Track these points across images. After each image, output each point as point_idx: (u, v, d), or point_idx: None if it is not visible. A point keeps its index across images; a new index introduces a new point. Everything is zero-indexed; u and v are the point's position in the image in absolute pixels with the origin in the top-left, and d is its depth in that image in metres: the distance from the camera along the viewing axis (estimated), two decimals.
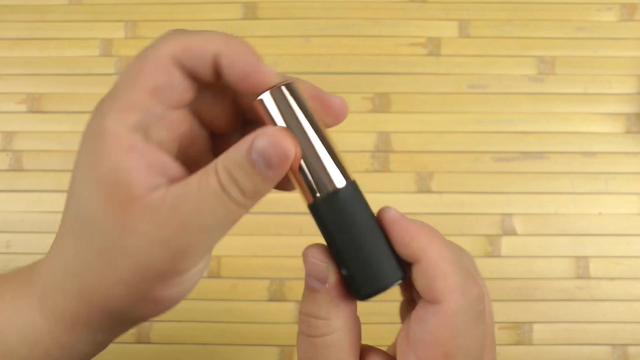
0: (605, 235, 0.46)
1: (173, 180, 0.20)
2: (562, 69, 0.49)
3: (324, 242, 0.22)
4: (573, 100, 0.49)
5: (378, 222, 0.22)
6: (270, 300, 0.45)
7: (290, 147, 0.20)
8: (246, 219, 0.47)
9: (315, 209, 0.21)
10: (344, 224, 0.21)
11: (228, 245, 0.46)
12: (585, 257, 0.46)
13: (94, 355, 0.23)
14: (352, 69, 0.49)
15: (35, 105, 0.49)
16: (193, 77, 0.21)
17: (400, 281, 0.21)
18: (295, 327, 0.47)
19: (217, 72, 0.21)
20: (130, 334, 0.45)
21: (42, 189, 0.47)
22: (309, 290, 0.22)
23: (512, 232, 0.47)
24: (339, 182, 0.21)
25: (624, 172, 0.47)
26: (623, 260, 0.46)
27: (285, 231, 0.46)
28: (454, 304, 0.20)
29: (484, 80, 0.49)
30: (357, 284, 0.21)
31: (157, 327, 0.45)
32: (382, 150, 0.48)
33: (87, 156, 0.20)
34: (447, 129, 0.48)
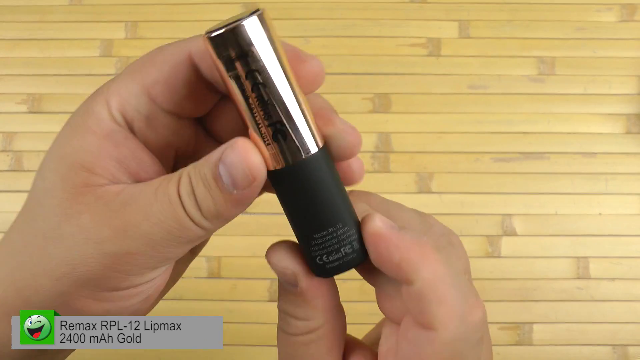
0: (606, 235, 0.46)
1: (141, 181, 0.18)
2: (562, 70, 0.49)
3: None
4: (573, 101, 0.49)
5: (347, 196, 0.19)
6: (270, 300, 0.45)
7: (262, 168, 0.17)
8: (246, 219, 0.47)
9: (281, 177, 0.18)
10: (311, 193, 0.18)
11: (228, 245, 0.46)
12: (585, 258, 0.46)
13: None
14: (353, 69, 0.49)
15: (35, 105, 0.49)
16: (213, 86, 0.19)
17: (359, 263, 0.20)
18: None
19: None
20: None
21: None
22: (283, 289, 0.20)
23: (512, 233, 0.47)
24: (312, 147, 0.18)
25: (624, 173, 0.47)
26: (623, 260, 0.46)
27: (285, 232, 0.46)
28: (452, 332, 0.17)
29: (484, 80, 0.49)
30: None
31: None
32: (382, 151, 0.48)
33: (64, 132, 0.19)
34: (447, 129, 0.48)
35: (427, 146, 0.48)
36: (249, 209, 0.53)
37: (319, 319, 0.20)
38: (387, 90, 0.49)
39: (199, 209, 0.17)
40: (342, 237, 0.19)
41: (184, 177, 0.17)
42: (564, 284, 0.46)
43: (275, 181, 0.19)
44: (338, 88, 0.49)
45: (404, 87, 0.49)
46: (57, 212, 0.18)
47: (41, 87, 0.50)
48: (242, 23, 0.17)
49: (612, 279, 0.46)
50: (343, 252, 0.19)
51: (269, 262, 0.20)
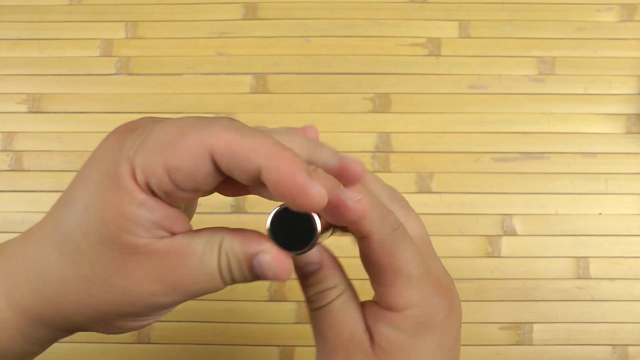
0: (606, 235, 0.46)
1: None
2: (562, 70, 0.49)
3: None
4: (573, 101, 0.49)
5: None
6: (271, 300, 0.45)
7: (288, 274, 0.21)
8: (246, 219, 0.47)
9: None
10: None
11: None
12: (585, 258, 0.46)
13: (54, 342, 0.25)
14: (353, 69, 0.49)
15: (35, 105, 0.49)
16: (223, 173, 0.21)
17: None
18: (296, 328, 0.47)
19: (255, 180, 0.21)
20: (131, 334, 0.45)
21: (42, 189, 0.47)
22: (307, 276, 0.25)
23: (512, 233, 0.47)
24: None
25: (624, 173, 0.47)
26: (623, 260, 0.46)
27: None
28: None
29: (484, 80, 0.49)
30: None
31: (158, 327, 0.45)
32: (383, 151, 0.48)
33: (97, 194, 0.21)
34: (447, 129, 0.48)
35: (427, 146, 0.48)
36: (249, 209, 0.53)
37: (344, 282, 0.25)
38: (387, 90, 0.49)
39: (233, 280, 0.22)
40: None
41: (223, 255, 0.22)
42: (564, 284, 0.46)
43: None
44: (338, 88, 0.49)
45: (404, 87, 0.49)
46: (109, 269, 0.21)
47: (41, 87, 0.50)
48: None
49: (612, 279, 0.46)
50: None
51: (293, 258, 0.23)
